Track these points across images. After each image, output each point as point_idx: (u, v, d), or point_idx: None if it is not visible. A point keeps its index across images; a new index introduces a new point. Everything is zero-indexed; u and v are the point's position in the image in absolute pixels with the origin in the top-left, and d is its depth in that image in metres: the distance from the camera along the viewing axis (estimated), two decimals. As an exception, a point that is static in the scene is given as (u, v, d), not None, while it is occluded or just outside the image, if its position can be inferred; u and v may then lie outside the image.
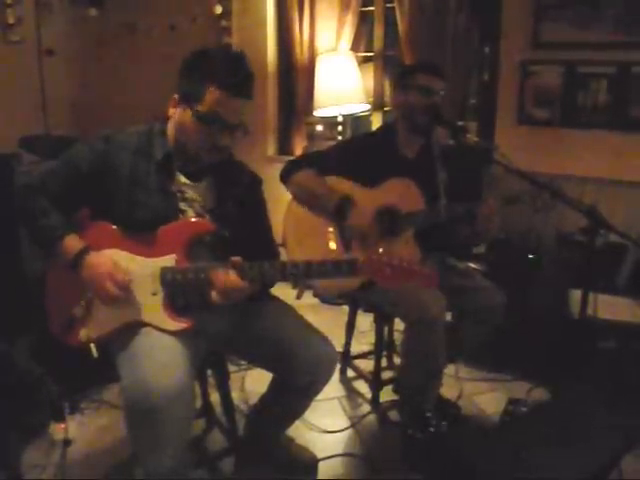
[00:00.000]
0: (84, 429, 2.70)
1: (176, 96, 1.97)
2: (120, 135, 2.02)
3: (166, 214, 1.99)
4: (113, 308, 1.95)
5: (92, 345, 1.98)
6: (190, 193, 2.05)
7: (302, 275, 1.94)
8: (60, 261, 1.96)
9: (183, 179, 2.03)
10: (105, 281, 1.89)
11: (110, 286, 1.89)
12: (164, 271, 1.95)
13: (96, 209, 2.03)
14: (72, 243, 1.94)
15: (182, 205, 2.03)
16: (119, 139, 2.00)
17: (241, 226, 2.09)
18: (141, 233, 1.97)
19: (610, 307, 2.76)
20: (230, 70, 1.92)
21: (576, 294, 2.66)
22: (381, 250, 1.89)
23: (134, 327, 1.94)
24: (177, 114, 1.97)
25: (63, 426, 2.55)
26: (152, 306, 1.95)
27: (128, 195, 1.97)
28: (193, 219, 2.04)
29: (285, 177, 2.71)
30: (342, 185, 2.65)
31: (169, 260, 1.96)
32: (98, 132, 2.04)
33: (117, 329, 1.96)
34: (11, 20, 4.23)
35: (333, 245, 2.56)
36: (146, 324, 1.94)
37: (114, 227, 1.99)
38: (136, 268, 1.96)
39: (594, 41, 3.48)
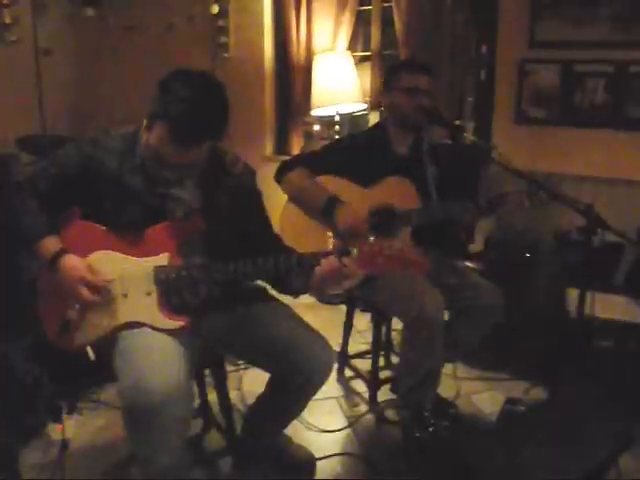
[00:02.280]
0: (82, 429, 2.69)
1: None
2: (106, 138, 2.02)
3: (154, 215, 2.00)
4: (107, 310, 1.95)
5: (88, 348, 1.98)
6: (177, 192, 2.04)
7: (295, 267, 1.96)
8: (40, 262, 1.97)
9: (169, 179, 2.01)
10: (77, 286, 1.90)
11: (83, 291, 1.90)
12: (158, 270, 1.96)
13: (86, 211, 2.04)
14: (50, 245, 1.95)
15: (170, 205, 2.03)
16: (105, 142, 2.01)
17: (235, 220, 2.09)
18: (131, 234, 1.98)
19: (607, 306, 2.77)
20: (182, 121, 1.79)
21: (573, 293, 2.66)
22: (372, 239, 1.91)
23: (130, 327, 1.94)
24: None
25: (60, 427, 2.55)
26: (147, 306, 1.95)
27: (115, 197, 1.98)
28: (183, 218, 2.03)
29: (279, 177, 2.72)
30: (337, 184, 2.65)
31: (162, 259, 1.97)
32: (86, 134, 2.05)
33: (112, 331, 1.96)
34: (8, 20, 4.22)
35: None
36: (142, 324, 1.95)
37: (104, 228, 2.00)
38: (129, 268, 1.96)
39: (591, 40, 3.49)
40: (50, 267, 1.93)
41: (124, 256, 1.98)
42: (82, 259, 1.95)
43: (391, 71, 2.81)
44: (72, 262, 1.93)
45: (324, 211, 2.57)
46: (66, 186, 2.01)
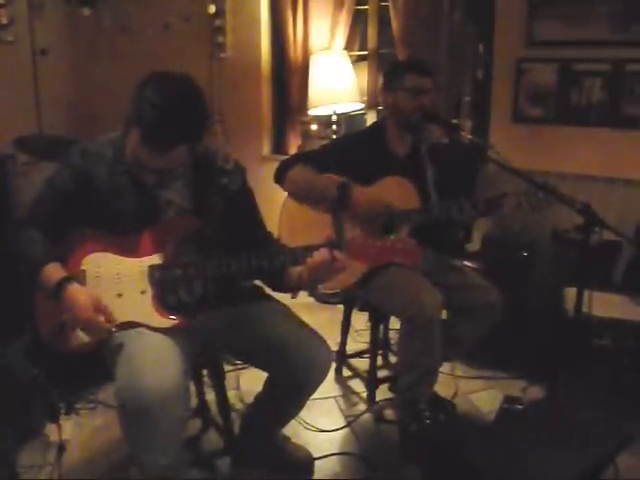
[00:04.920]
0: (80, 429, 2.69)
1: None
2: (94, 146, 2.01)
3: (147, 217, 2.00)
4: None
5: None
6: (168, 194, 2.03)
7: (289, 261, 1.97)
8: (44, 291, 1.93)
9: (152, 182, 1.98)
10: (81, 325, 1.89)
11: (86, 331, 1.89)
12: (152, 269, 1.96)
13: (83, 219, 2.02)
14: (52, 272, 1.91)
15: (162, 207, 2.03)
16: (94, 150, 2.00)
17: (227, 218, 2.09)
18: (125, 236, 1.99)
19: (605, 304, 2.76)
20: (154, 126, 1.78)
21: (571, 292, 2.66)
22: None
23: (126, 327, 1.94)
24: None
25: (57, 428, 2.54)
26: (142, 305, 1.95)
27: (109, 204, 1.98)
28: (176, 218, 2.04)
29: (280, 176, 2.72)
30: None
31: (156, 259, 1.97)
32: (84, 135, 2.03)
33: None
34: (4, 20, 4.21)
35: None
36: (137, 324, 1.94)
37: (99, 232, 2.00)
38: (124, 269, 1.97)
39: (588, 39, 3.49)
40: (55, 296, 1.89)
41: (119, 257, 1.98)
42: (88, 293, 1.90)
43: (394, 71, 2.80)
44: (79, 297, 1.87)
45: (339, 199, 2.56)
46: (66, 206, 2.00)
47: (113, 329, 1.92)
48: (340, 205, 2.57)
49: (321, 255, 1.92)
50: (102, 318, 1.89)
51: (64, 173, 2.01)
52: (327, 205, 2.61)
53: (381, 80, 2.88)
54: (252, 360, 2.26)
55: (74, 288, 1.89)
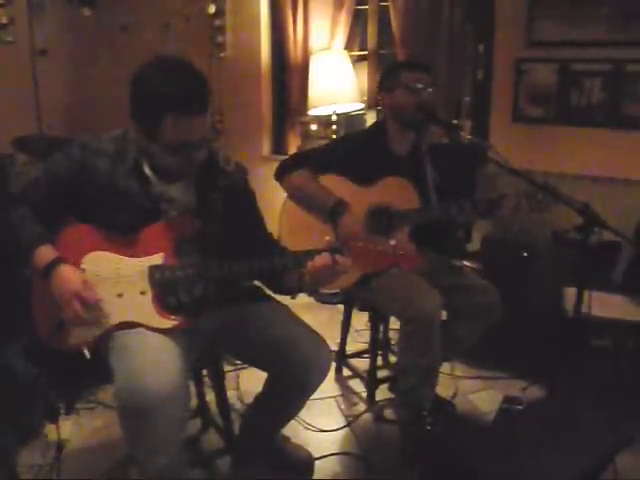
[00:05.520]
0: (79, 429, 2.69)
1: (134, 124, 1.92)
2: (96, 142, 2.01)
3: (148, 216, 1.99)
4: (102, 310, 1.94)
5: (84, 348, 1.97)
6: (170, 193, 2.03)
7: (290, 265, 1.97)
8: (35, 271, 1.94)
9: (161, 180, 2.00)
10: (72, 300, 1.86)
11: (77, 305, 1.86)
12: (152, 269, 1.96)
13: (81, 215, 2.02)
14: (45, 253, 1.92)
15: (163, 206, 2.03)
16: (95, 146, 2.00)
17: (229, 219, 2.09)
18: (126, 235, 1.98)
19: (604, 305, 2.76)
20: (182, 93, 1.81)
21: (571, 292, 2.66)
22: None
23: (125, 327, 1.93)
24: (142, 141, 1.92)
25: (56, 428, 2.54)
26: (141, 305, 1.95)
27: (109, 200, 1.98)
28: (177, 218, 2.04)
29: (280, 176, 2.72)
30: (336, 183, 2.66)
31: (157, 259, 1.97)
32: (83, 135, 2.03)
33: (108, 331, 1.95)
34: (4, 20, 4.21)
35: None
36: (137, 324, 1.94)
37: (99, 230, 1.99)
38: (123, 268, 1.96)
39: (588, 39, 3.48)
40: (44, 276, 1.90)
41: (119, 257, 1.97)
42: (77, 271, 1.92)
43: (390, 70, 2.80)
44: (67, 274, 1.90)
45: (330, 215, 2.59)
46: (60, 194, 2.00)
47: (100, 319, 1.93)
48: (332, 222, 2.58)
49: (322, 259, 1.93)
50: (89, 296, 1.88)
51: (62, 162, 2.00)
52: (323, 217, 2.62)
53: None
54: (252, 360, 2.26)
55: (64, 267, 1.90)
